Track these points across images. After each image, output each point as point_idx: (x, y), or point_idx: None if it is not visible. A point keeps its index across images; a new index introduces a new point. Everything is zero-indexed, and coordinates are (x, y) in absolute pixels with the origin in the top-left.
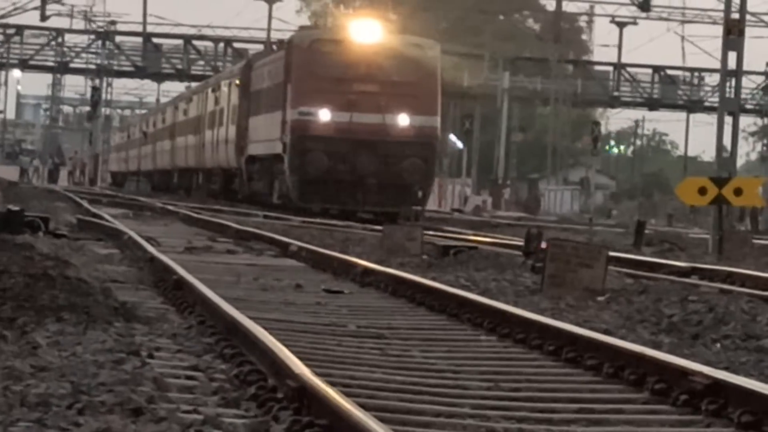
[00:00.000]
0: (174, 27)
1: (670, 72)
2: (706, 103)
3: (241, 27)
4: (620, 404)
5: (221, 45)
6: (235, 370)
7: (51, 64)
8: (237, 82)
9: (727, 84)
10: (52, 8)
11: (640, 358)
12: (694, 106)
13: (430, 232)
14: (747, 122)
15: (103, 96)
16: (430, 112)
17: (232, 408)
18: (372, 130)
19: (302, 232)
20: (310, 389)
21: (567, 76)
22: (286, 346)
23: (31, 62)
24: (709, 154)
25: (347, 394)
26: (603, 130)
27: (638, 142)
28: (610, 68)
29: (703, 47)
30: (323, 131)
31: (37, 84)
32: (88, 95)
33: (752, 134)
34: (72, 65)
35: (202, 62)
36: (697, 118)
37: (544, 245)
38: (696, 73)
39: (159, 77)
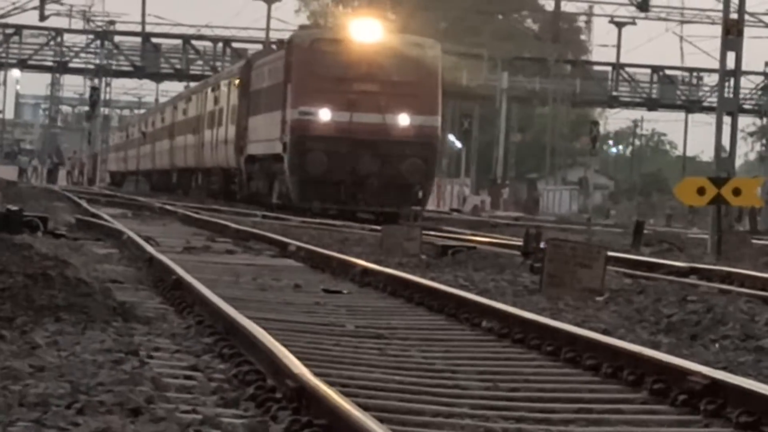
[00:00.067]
0: (173, 27)
1: (668, 72)
2: (705, 103)
3: (240, 27)
4: (619, 404)
5: (220, 45)
6: (233, 370)
7: (50, 63)
8: (236, 81)
9: (726, 84)
10: (51, 8)
11: (638, 358)
12: (692, 106)
13: (429, 232)
14: (746, 122)
15: (102, 96)
16: (430, 112)
17: (231, 408)
18: (372, 130)
19: (301, 232)
20: (308, 389)
21: (566, 76)
22: (285, 346)
23: (30, 62)
24: (707, 154)
25: (346, 394)
26: (602, 130)
27: (637, 142)
28: (609, 68)
29: (702, 47)
30: (323, 131)
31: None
32: (87, 95)
33: (751, 134)
34: (71, 65)
35: (200, 62)
36: (696, 118)
37: (542, 245)
38: (695, 73)
39: (158, 77)
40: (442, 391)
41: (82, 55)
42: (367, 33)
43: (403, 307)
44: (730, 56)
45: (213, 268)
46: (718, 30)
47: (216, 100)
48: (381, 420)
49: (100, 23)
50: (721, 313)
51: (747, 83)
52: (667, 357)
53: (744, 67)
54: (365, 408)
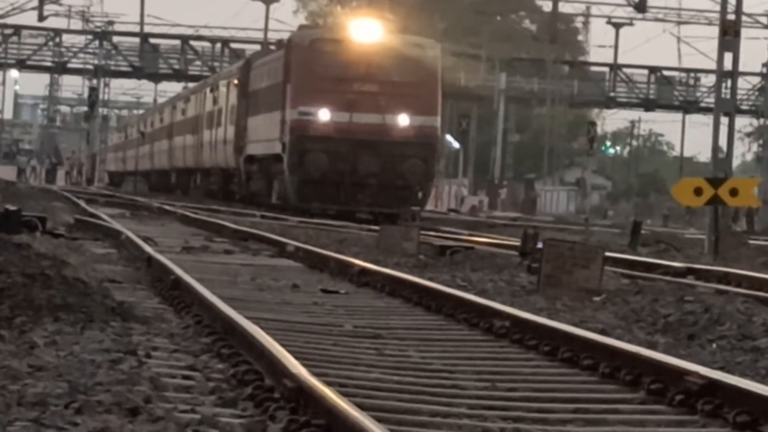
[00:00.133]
0: (171, 27)
1: (666, 73)
2: (702, 104)
3: (239, 27)
4: (616, 404)
5: (218, 45)
6: (232, 369)
7: (48, 64)
8: (235, 81)
9: (723, 85)
10: (49, 8)
11: (636, 358)
12: (690, 106)
13: (427, 233)
14: (743, 123)
15: (101, 96)
16: (430, 113)
17: (229, 408)
18: (372, 130)
19: (299, 232)
20: (306, 389)
21: (563, 76)
22: (283, 345)
23: (29, 62)
24: (705, 155)
25: (344, 394)
26: (599, 130)
27: (634, 143)
28: (607, 69)
29: (699, 48)
30: (323, 131)
31: (35, 84)
32: (86, 95)
33: (748, 135)
34: (69, 65)
35: (199, 62)
36: (693, 118)
37: (540, 245)
38: (692, 74)
39: (156, 77)
40: (440, 391)
41: (81, 55)
42: (366, 33)
43: (401, 307)
44: (728, 57)
45: (211, 268)
46: (715, 31)
47: (215, 100)
48: (379, 420)
49: (98, 24)
50: (718, 313)
51: (744, 84)
52: (665, 357)
53: (741, 68)
54: (363, 408)
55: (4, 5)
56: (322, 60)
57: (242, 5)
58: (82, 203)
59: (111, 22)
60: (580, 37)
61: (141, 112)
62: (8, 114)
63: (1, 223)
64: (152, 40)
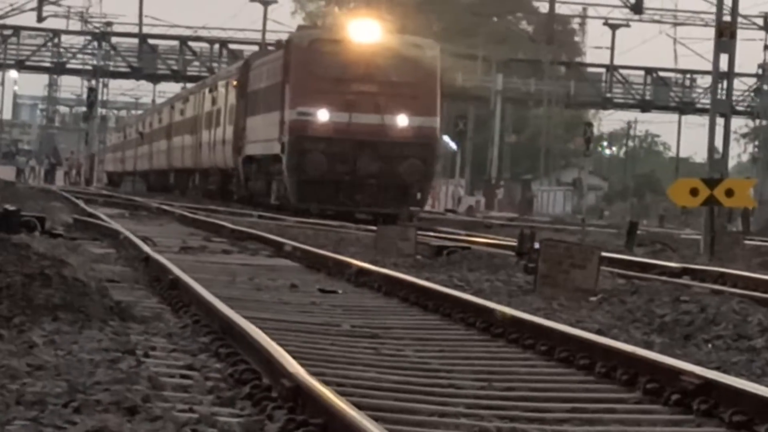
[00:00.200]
0: (170, 28)
1: (662, 74)
2: (698, 105)
3: (237, 28)
4: (612, 404)
5: (217, 46)
6: (230, 369)
7: (47, 64)
8: (234, 82)
9: (719, 86)
10: (48, 9)
11: (632, 357)
12: (686, 107)
13: (424, 233)
14: (738, 124)
15: (99, 96)
16: (429, 113)
17: (227, 407)
18: (371, 130)
19: (297, 232)
20: (304, 388)
21: (560, 77)
22: (281, 345)
23: (28, 63)
24: (700, 156)
25: (341, 394)
26: (595, 131)
27: (630, 144)
28: (603, 70)
29: (695, 49)
30: (322, 132)
31: (34, 84)
32: (85, 96)
33: (744, 136)
34: (68, 66)
35: (197, 63)
36: (689, 119)
37: (537, 246)
38: (688, 75)
39: (155, 78)
40: (437, 390)
41: (80, 56)
42: (365, 33)
43: (398, 306)
44: (723, 58)
45: (209, 268)
46: (711, 32)
47: (214, 101)
48: (376, 419)
49: (97, 24)
50: (713, 313)
51: (740, 85)
52: (661, 357)
53: (737, 69)
54: (360, 407)
55: (4, 6)
56: (321, 60)
57: (240, 6)
58: (81, 203)
59: (110, 23)
60: (577, 39)
61: (139, 112)
62: (7, 114)
63: (1, 223)
64: (151, 41)
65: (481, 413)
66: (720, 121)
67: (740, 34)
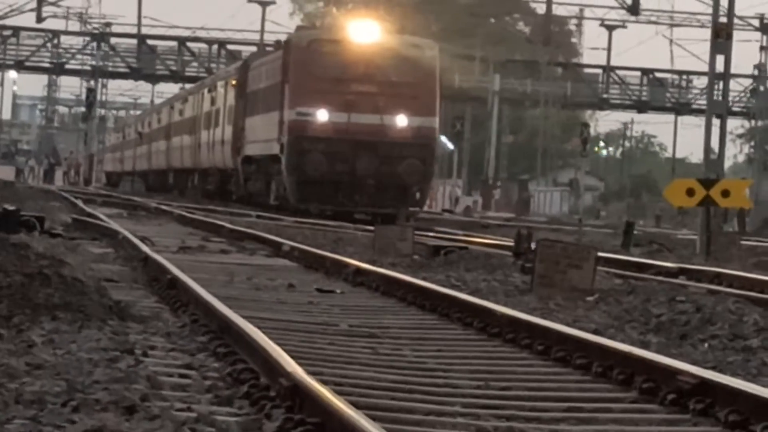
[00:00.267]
0: (168, 29)
1: (658, 75)
2: (694, 106)
3: (235, 29)
4: (609, 403)
5: (215, 47)
6: (228, 368)
7: (47, 65)
8: (233, 82)
9: (715, 87)
10: (48, 10)
11: (628, 357)
12: (682, 108)
13: (421, 233)
14: (734, 125)
15: (98, 97)
16: (428, 113)
17: (225, 406)
18: (370, 130)
19: (295, 232)
20: (302, 387)
21: (557, 78)
22: (279, 344)
23: (27, 63)
24: (697, 156)
25: (339, 393)
26: (592, 132)
27: (627, 144)
28: (600, 71)
29: (692, 50)
30: (321, 132)
31: (33, 85)
32: (84, 96)
33: (739, 136)
34: (67, 66)
35: (196, 64)
36: (685, 120)
37: (533, 246)
38: (684, 76)
39: (153, 78)
40: (434, 389)
41: (79, 56)
42: (365, 34)
43: (395, 306)
44: (719, 59)
45: (208, 268)
46: (707, 33)
47: (213, 101)
48: (374, 418)
49: (96, 25)
50: (709, 313)
51: (736, 86)
52: (657, 356)
53: (733, 70)
54: (358, 406)
55: (3, 6)
56: (320, 60)
57: (239, 7)
58: (80, 203)
59: (109, 24)
60: (574, 40)
61: (138, 112)
62: (7, 114)
63: (0, 223)
64: (149, 42)
65: (478, 412)
66: (716, 122)
67: (736, 35)
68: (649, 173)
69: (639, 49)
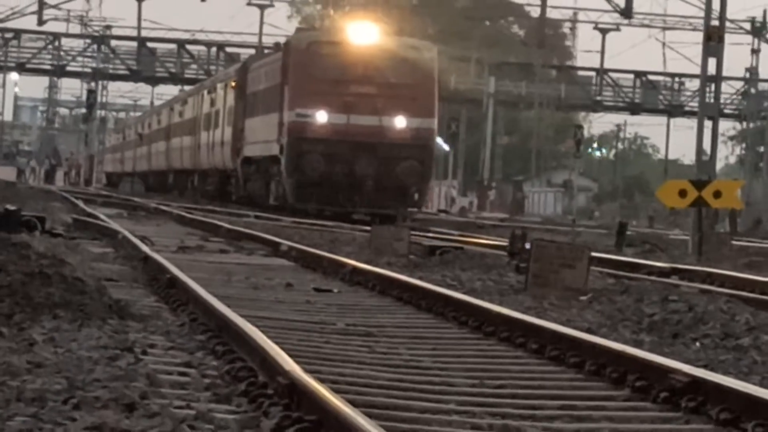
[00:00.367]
0: (168, 32)
1: (651, 77)
2: (687, 108)
3: (234, 32)
4: (602, 401)
5: (214, 49)
6: (226, 366)
7: (48, 67)
8: (233, 83)
9: (707, 89)
10: (49, 13)
11: (621, 356)
12: (674, 110)
13: (417, 233)
14: (726, 126)
15: (99, 99)
16: (427, 114)
17: (224, 404)
18: (369, 132)
19: (292, 232)
20: (299, 386)
21: (551, 80)
22: (277, 343)
23: (29, 65)
24: (689, 158)
25: (336, 391)
26: (586, 133)
27: (620, 146)
28: (593, 73)
29: (684, 53)
30: (320, 133)
31: (34, 86)
32: (84, 98)
33: (731, 138)
34: (68, 68)
35: (195, 66)
36: (678, 122)
37: (528, 246)
38: (677, 79)
39: (153, 80)
40: (430, 387)
41: (80, 58)
42: (364, 35)
43: (392, 305)
44: (711, 62)
45: (206, 267)
46: (699, 36)
47: (212, 102)
48: (370, 416)
49: (97, 28)
50: (701, 312)
51: (728, 88)
52: (649, 355)
53: (725, 73)
54: (355, 404)
55: (4, 9)
56: (319, 62)
57: (237, 10)
58: (81, 203)
59: (109, 27)
60: (568, 42)
61: (138, 114)
62: (8, 116)
63: (1, 223)
64: (149, 44)
65: (473, 410)
66: (708, 124)
67: (728, 38)
68: (641, 174)
69: (632, 51)
